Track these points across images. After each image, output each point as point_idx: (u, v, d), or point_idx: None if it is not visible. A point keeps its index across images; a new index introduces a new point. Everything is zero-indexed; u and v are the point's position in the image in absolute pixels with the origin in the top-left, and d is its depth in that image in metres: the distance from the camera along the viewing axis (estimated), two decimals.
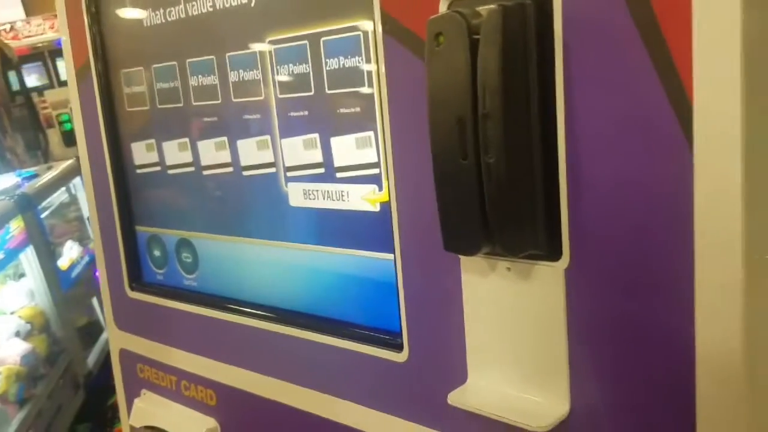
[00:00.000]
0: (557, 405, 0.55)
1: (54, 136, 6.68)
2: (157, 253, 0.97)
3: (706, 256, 0.47)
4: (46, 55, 8.25)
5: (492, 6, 0.50)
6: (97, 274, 3.42)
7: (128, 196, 0.97)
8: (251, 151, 0.82)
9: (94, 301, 3.34)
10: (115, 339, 1.04)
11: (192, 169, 0.88)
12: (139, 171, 0.95)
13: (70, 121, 6.92)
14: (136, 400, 1.00)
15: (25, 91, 6.80)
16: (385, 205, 0.69)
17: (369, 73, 0.67)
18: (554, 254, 0.54)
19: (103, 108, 0.94)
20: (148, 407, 0.98)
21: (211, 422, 0.90)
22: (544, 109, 0.52)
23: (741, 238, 0.45)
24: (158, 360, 0.97)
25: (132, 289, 0.99)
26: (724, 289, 0.46)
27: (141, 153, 0.94)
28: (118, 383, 1.06)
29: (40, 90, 7.10)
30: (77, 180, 3.43)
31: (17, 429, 2.45)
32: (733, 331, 0.47)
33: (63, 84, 7.49)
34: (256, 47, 0.76)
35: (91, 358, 3.18)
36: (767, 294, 0.48)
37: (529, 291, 0.56)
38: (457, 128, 0.52)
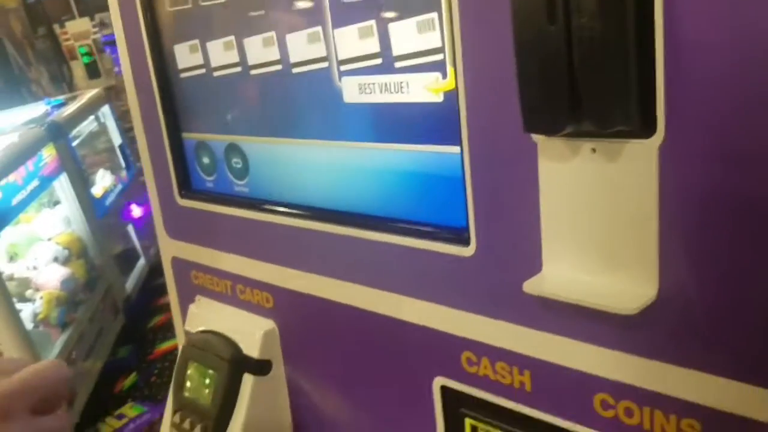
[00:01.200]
0: (645, 288, 0.53)
1: (78, 69, 6.65)
2: (205, 160, 0.95)
3: None
4: None
5: None
6: (129, 208, 3.45)
7: (173, 102, 0.95)
8: (301, 46, 0.78)
9: (130, 228, 3.40)
10: (167, 247, 1.03)
11: (239, 69, 0.85)
12: (183, 75, 0.92)
13: (89, 53, 6.86)
14: (191, 306, 1.01)
15: (47, 22, 6.73)
16: (450, 94, 0.66)
17: None
18: (647, 129, 0.50)
19: (143, 8, 0.90)
20: (203, 312, 0.99)
21: (269, 323, 0.91)
22: None
23: None
24: (212, 266, 0.97)
25: (182, 197, 0.97)
26: None
27: (184, 55, 0.90)
28: (172, 291, 1.06)
29: (61, 22, 7.01)
30: (106, 108, 3.42)
31: (60, 351, 2.55)
32: None
33: (84, 15, 7.39)
34: None
35: (130, 284, 3.26)
36: None
37: (617, 172, 0.53)
38: None
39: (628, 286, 0.54)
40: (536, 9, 0.48)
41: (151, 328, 3.30)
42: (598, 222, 0.55)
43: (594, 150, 0.54)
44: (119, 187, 3.42)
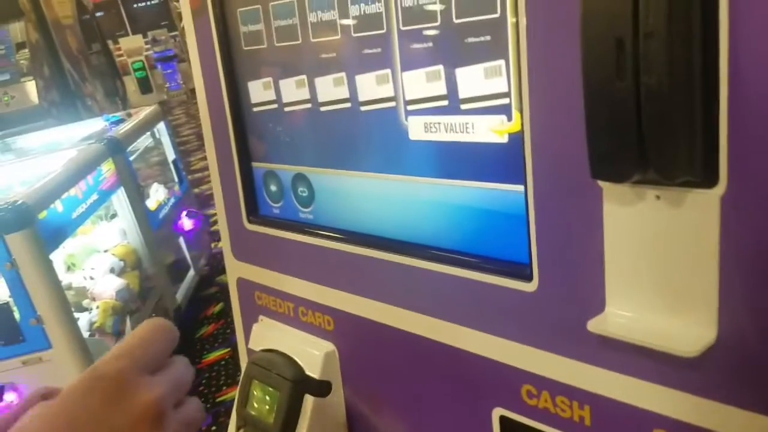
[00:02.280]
0: (705, 331, 0.55)
1: (131, 84, 6.90)
2: (273, 188, 1.00)
3: None
4: (119, 2, 8.39)
5: None
6: (179, 222, 3.57)
7: (245, 133, 1.00)
8: (370, 86, 0.82)
9: (181, 240, 3.51)
10: (233, 269, 1.09)
11: (309, 106, 0.90)
12: (255, 109, 0.98)
13: (143, 69, 7.11)
14: (255, 326, 1.06)
15: (102, 38, 6.98)
16: (514, 136, 0.69)
17: None
18: (710, 180, 0.53)
19: (220, 48, 0.96)
20: (266, 332, 1.04)
21: (329, 346, 0.95)
22: (707, 22, 0.50)
23: None
24: (276, 288, 1.02)
25: (250, 222, 1.03)
26: None
27: (258, 91, 0.96)
28: (236, 310, 1.12)
29: (115, 38, 7.28)
30: (161, 125, 3.55)
31: None
32: None
33: (137, 32, 7.66)
34: None
35: (180, 294, 3.36)
36: None
37: (680, 220, 0.55)
38: (614, 49, 0.51)
39: (689, 328, 0.57)
40: (606, 66, 0.52)
41: (199, 338, 3.39)
42: (660, 266, 0.58)
43: (658, 197, 0.57)
44: (172, 200, 3.54)
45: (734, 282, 0.54)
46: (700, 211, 0.54)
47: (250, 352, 1.05)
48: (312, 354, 0.95)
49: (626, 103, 0.51)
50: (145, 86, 6.97)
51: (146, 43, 7.37)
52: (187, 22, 0.99)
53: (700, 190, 0.54)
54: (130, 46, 7.37)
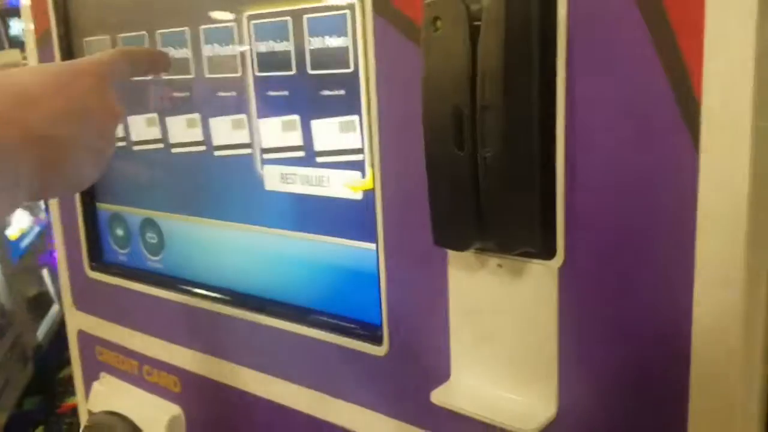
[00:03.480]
0: (545, 406, 0.54)
1: None
2: (119, 232, 0.92)
3: (708, 257, 0.46)
4: None
5: None
6: (54, 254, 3.32)
7: None
8: (225, 131, 0.78)
9: (45, 272, 3.23)
10: (73, 320, 0.99)
11: (160, 146, 0.84)
12: None
13: None
14: (95, 384, 0.96)
15: None
16: (369, 193, 0.67)
17: (356, 55, 0.63)
18: (548, 252, 0.52)
19: None
20: (107, 391, 0.94)
21: (175, 409, 0.87)
22: (543, 100, 0.50)
23: (744, 240, 0.44)
24: (119, 343, 0.93)
25: (92, 269, 0.94)
26: (726, 290, 0.45)
27: None
28: (76, 366, 1.01)
29: None
30: None
31: None
32: (732, 335, 0.46)
33: (15, 45, 7.15)
34: (234, 21, 0.72)
35: (41, 331, 3.09)
36: None
37: (520, 289, 0.54)
38: (453, 119, 0.49)
39: (530, 402, 0.55)
40: (446, 136, 0.50)
41: (61, 380, 3.11)
42: (502, 336, 0.56)
43: (500, 266, 0.55)
44: (37, 228, 3.26)
45: (573, 356, 0.54)
46: (539, 282, 0.53)
47: (90, 414, 0.95)
48: (156, 417, 0.87)
49: (465, 173, 0.50)
50: None
51: (24, 57, 6.89)
52: (30, 50, 0.91)
53: (539, 261, 0.53)
54: (6, 60, 6.87)
